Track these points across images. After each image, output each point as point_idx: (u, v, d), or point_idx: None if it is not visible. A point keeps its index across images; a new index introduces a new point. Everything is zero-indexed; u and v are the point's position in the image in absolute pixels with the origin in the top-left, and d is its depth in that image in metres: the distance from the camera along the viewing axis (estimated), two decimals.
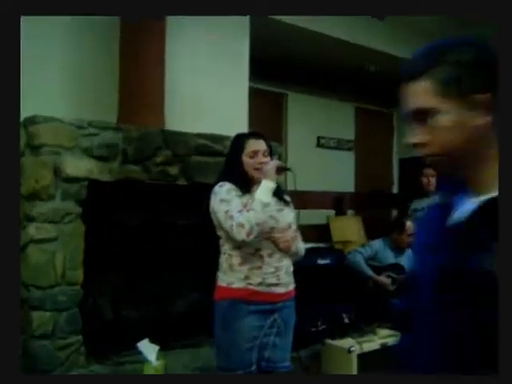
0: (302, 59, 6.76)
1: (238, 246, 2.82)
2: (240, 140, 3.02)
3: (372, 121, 8.54)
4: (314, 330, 4.45)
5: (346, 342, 4.16)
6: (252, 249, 2.84)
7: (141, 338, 3.68)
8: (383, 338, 4.31)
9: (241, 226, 2.67)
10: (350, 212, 7.53)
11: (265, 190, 2.79)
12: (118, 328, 4.08)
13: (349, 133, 8.12)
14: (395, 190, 8.63)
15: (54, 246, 3.54)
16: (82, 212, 3.65)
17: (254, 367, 2.83)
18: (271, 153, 3.01)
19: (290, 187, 6.22)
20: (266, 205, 2.75)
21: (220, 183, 2.88)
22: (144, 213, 4.14)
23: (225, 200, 2.79)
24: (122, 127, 3.85)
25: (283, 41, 6.14)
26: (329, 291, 5.16)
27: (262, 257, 2.85)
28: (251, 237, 2.70)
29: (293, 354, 3.21)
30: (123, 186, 3.85)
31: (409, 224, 5.38)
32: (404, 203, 6.14)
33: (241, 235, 2.68)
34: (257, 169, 2.90)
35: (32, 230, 3.47)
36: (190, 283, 4.42)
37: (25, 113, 3.54)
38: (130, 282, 4.19)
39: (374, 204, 7.90)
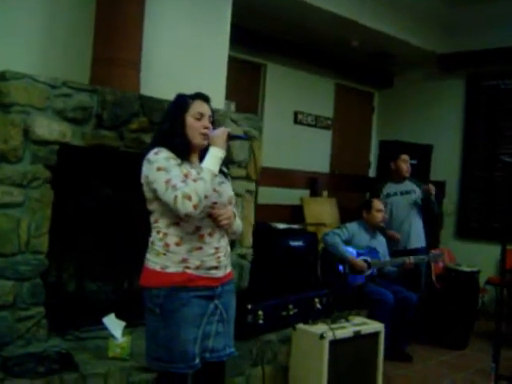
0: (284, 29, 6.80)
1: (176, 222, 2.66)
2: (184, 99, 2.83)
3: (352, 99, 8.63)
4: (284, 313, 4.53)
5: (318, 328, 4.24)
6: (192, 227, 2.68)
7: (105, 314, 3.72)
8: (356, 325, 4.42)
9: (187, 197, 2.50)
10: (324, 193, 7.62)
11: (214, 158, 2.66)
12: (81, 302, 4.10)
13: (327, 110, 8.19)
14: (372, 172, 8.76)
15: (20, 212, 3.52)
16: (51, 177, 3.64)
17: (197, 360, 2.67)
18: (213, 121, 2.85)
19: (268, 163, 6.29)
20: (215, 175, 2.65)
21: (155, 150, 2.69)
22: (116, 182, 4.15)
23: (163, 168, 2.61)
24: (97, 89, 3.83)
25: (264, 8, 6.16)
26: (301, 274, 5.26)
27: (202, 236, 2.70)
28: (198, 210, 2.55)
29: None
30: (96, 152, 3.86)
31: (376, 201, 5.69)
32: (376, 186, 6.34)
33: (187, 208, 2.51)
34: (202, 134, 2.76)
35: None
36: None
37: None
38: (96, 254, 4.21)
39: (349, 186, 8.02)
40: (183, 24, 4.87)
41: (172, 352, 2.64)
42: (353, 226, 5.64)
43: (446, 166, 7.85)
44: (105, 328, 3.69)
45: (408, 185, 6.14)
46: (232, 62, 5.50)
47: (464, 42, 7.64)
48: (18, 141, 3.47)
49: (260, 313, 4.30)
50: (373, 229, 5.65)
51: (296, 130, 7.68)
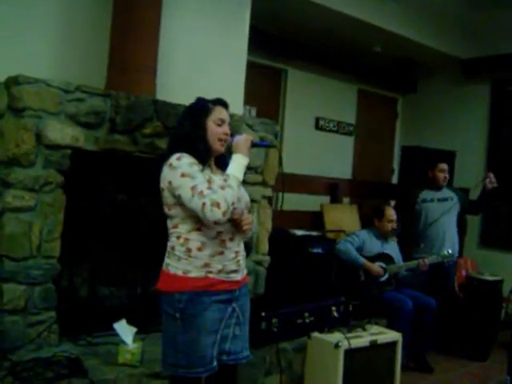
0: (305, 34, 6.76)
1: (197, 228, 2.67)
2: (205, 103, 2.84)
3: (375, 104, 8.55)
4: (299, 321, 4.47)
5: (334, 337, 4.18)
6: (213, 232, 2.69)
7: (116, 319, 3.70)
8: (373, 334, 4.36)
9: (216, 204, 2.52)
10: (345, 200, 7.55)
11: (239, 165, 2.71)
12: (93, 307, 4.09)
13: (350, 116, 8.13)
14: (395, 179, 8.66)
15: (32, 216, 3.53)
16: (64, 182, 3.64)
17: (214, 363, 2.69)
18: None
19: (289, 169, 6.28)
20: (240, 182, 2.68)
21: (177, 155, 2.68)
22: (129, 187, 4.14)
23: (188, 174, 2.60)
24: (111, 94, 3.82)
25: (286, 13, 6.13)
26: (318, 282, 5.21)
27: (223, 241, 2.73)
28: (226, 217, 2.58)
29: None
30: (109, 157, 3.85)
31: (388, 209, 5.60)
32: (408, 192, 6.27)
33: (215, 215, 2.53)
34: (221, 140, 2.79)
35: (9, 198, 3.45)
36: None
37: (7, 71, 3.56)
38: (108, 260, 4.20)
39: (371, 193, 7.92)
40: (200, 28, 4.85)
41: (191, 357, 2.64)
42: (362, 234, 5.62)
43: (470, 172, 7.71)
44: (117, 334, 3.67)
45: (446, 192, 6.09)
46: (252, 68, 5.47)
47: (488, 47, 7.51)
48: (31, 145, 3.47)
49: (274, 320, 4.24)
50: (384, 235, 5.59)
51: (317, 136, 7.62)
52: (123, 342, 3.57)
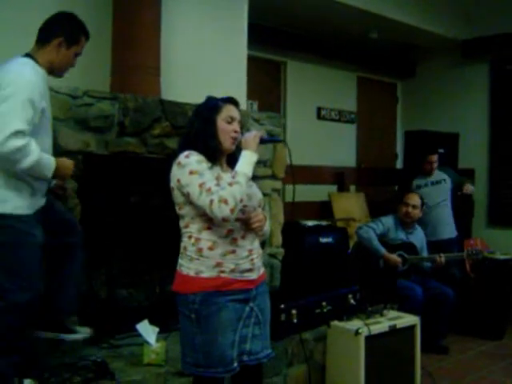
0: (302, 24, 6.76)
1: (208, 227, 2.64)
2: (216, 102, 2.81)
3: (375, 91, 8.55)
4: (318, 311, 4.48)
5: (353, 324, 4.21)
6: (224, 230, 2.65)
7: (137, 321, 3.71)
8: (391, 319, 4.37)
9: (224, 201, 2.48)
10: (352, 188, 7.57)
11: (248, 162, 2.64)
12: (113, 310, 4.10)
13: (351, 104, 8.13)
14: (399, 164, 8.67)
15: None
16: (78, 187, 3.65)
17: (235, 364, 2.65)
18: (241, 126, 2.85)
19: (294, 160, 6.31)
20: (249, 179, 2.64)
21: (185, 153, 2.64)
22: (142, 188, 4.15)
23: (196, 172, 2.57)
24: (118, 97, 3.83)
25: (281, 4, 6.12)
26: (332, 271, 5.22)
27: (235, 240, 2.68)
28: (234, 214, 2.54)
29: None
30: (120, 159, 3.86)
31: (407, 194, 5.58)
32: (407, 179, 6.32)
33: (223, 212, 2.49)
34: (232, 137, 2.75)
35: None
36: None
37: None
38: (125, 262, 4.22)
39: (376, 180, 7.95)
40: (200, 26, 4.85)
41: (210, 357, 2.62)
42: (388, 220, 5.50)
43: (475, 153, 7.74)
44: (139, 335, 3.69)
45: (438, 175, 6.13)
46: (252, 62, 5.47)
47: (486, 27, 7.52)
48: None
49: (293, 312, 4.24)
50: (409, 223, 5.51)
51: (320, 126, 7.63)
52: (147, 343, 3.59)
